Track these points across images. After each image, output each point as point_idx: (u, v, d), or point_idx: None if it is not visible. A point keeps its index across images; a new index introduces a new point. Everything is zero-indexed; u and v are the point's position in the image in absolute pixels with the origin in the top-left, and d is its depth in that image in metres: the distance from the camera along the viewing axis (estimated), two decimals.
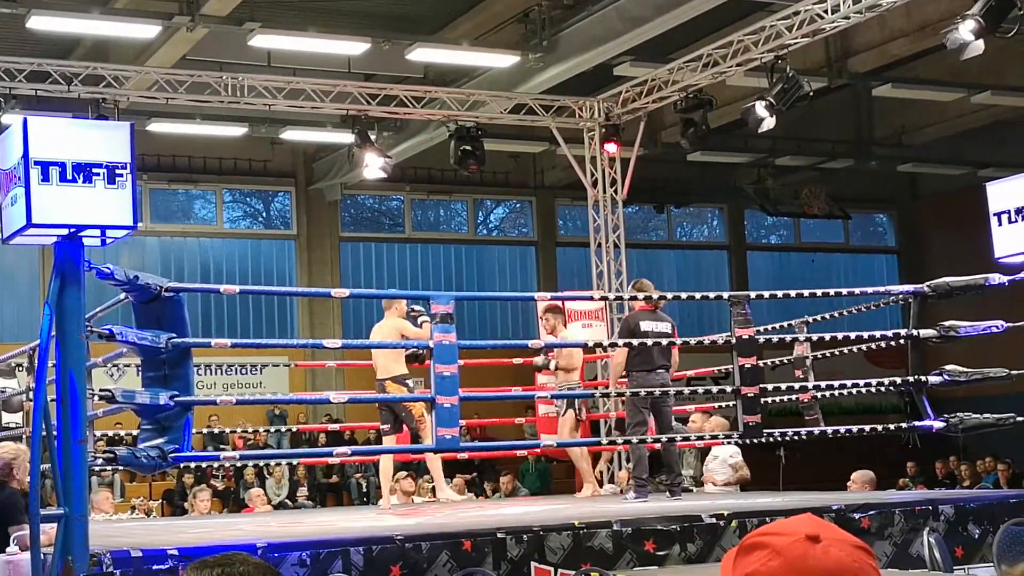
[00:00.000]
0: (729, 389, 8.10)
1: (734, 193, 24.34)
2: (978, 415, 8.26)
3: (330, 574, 5.99)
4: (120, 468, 8.36)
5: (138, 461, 6.29)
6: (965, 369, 8.30)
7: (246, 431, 16.76)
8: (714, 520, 7.00)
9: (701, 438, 10.51)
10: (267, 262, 22.15)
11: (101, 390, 6.63)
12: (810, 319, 10.20)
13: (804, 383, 9.34)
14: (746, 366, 7.87)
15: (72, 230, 5.87)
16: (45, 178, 5.70)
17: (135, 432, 7.57)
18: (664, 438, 9.41)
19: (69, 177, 5.74)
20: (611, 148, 15.51)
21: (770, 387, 8.49)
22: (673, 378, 10.46)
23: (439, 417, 7.02)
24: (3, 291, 20.09)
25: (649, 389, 9.17)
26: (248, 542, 6.29)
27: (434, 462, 10.54)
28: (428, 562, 6.20)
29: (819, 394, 9.18)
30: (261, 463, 16.89)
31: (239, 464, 16.65)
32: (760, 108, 13.34)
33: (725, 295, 8.50)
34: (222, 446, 16.86)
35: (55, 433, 5.87)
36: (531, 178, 23.96)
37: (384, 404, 10.21)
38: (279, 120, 18.69)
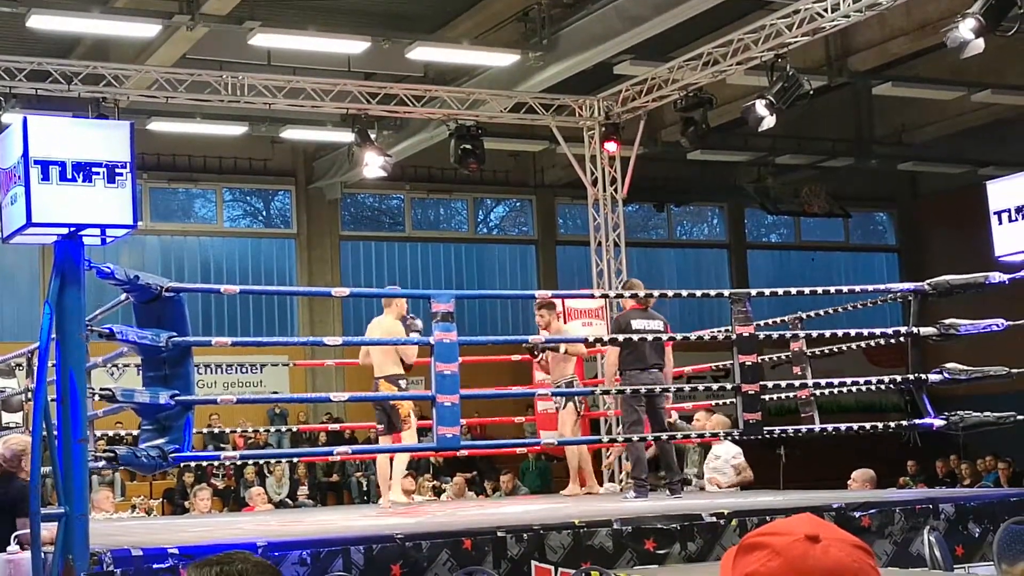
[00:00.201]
0: (730, 386, 8.10)
1: (734, 192, 24.35)
2: (978, 413, 8.26)
3: (330, 573, 5.99)
4: (120, 467, 8.34)
5: (139, 460, 6.29)
6: (965, 367, 8.29)
7: (246, 431, 16.77)
8: (714, 519, 7.00)
9: (701, 435, 10.51)
10: (267, 261, 22.15)
11: (101, 389, 6.62)
12: (804, 315, 10.20)
13: (803, 380, 9.34)
14: (747, 363, 7.86)
15: (72, 229, 5.87)
16: (45, 177, 5.70)
17: (135, 432, 7.57)
18: (664, 436, 9.42)
19: (69, 176, 5.74)
20: (611, 147, 15.52)
21: (770, 384, 8.49)
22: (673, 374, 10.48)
23: (440, 415, 7.02)
24: (3, 290, 20.09)
25: (641, 387, 9.17)
26: (248, 541, 6.29)
27: (397, 464, 10.41)
28: (428, 561, 6.20)
29: (819, 392, 9.18)
30: (261, 462, 16.90)
31: (239, 463, 16.66)
32: (760, 107, 13.34)
33: (726, 292, 8.50)
34: (222, 446, 16.87)
35: (55, 432, 5.87)
36: (531, 177, 23.96)
37: (378, 404, 10.20)
38: (279, 119, 18.70)
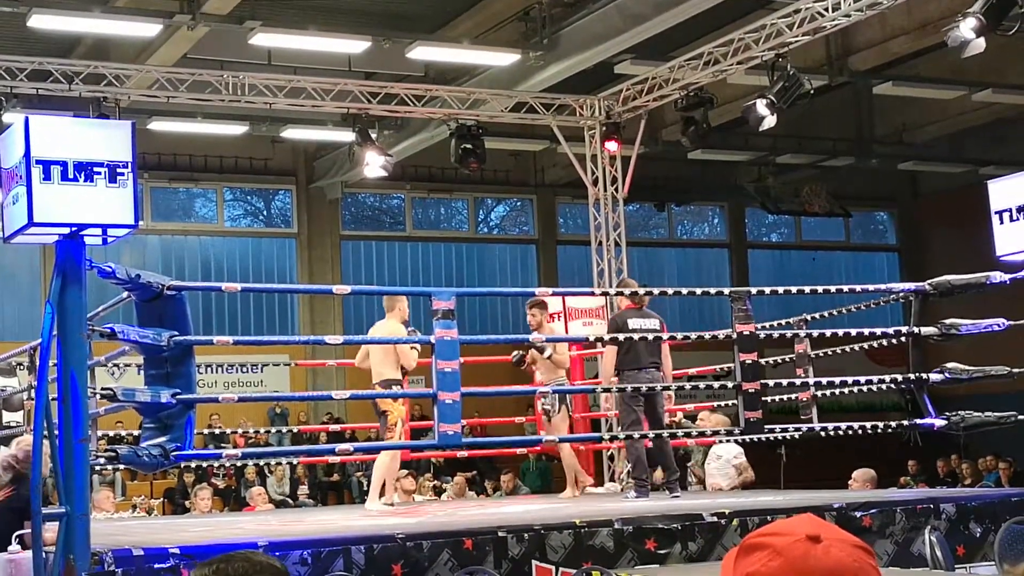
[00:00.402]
0: (730, 385, 8.10)
1: (735, 191, 24.35)
2: (979, 413, 8.25)
3: (331, 573, 5.99)
4: (122, 466, 8.37)
5: (140, 460, 6.29)
6: (966, 367, 8.29)
7: (247, 431, 16.77)
8: (715, 519, 7.00)
9: (703, 434, 10.51)
10: (268, 260, 22.16)
11: (103, 388, 6.62)
12: (808, 317, 10.20)
13: (805, 380, 9.34)
14: (747, 362, 7.86)
15: (73, 229, 5.87)
16: (47, 177, 5.71)
17: (136, 431, 7.58)
18: (665, 434, 9.42)
19: (70, 176, 5.74)
20: (612, 146, 15.52)
21: (771, 384, 8.48)
22: (673, 377, 10.46)
23: (441, 413, 7.02)
24: (4, 290, 20.10)
25: (639, 386, 9.18)
26: (249, 541, 6.30)
27: (378, 467, 10.28)
28: (429, 561, 6.20)
29: (820, 392, 9.18)
30: (262, 462, 16.89)
31: (240, 463, 16.66)
32: (761, 106, 13.34)
33: (726, 291, 8.49)
34: (223, 445, 16.86)
35: (56, 432, 5.87)
36: (532, 176, 23.96)
37: (376, 408, 10.15)
38: (280, 118, 18.71)
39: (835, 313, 10.88)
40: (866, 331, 8.95)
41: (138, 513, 14.99)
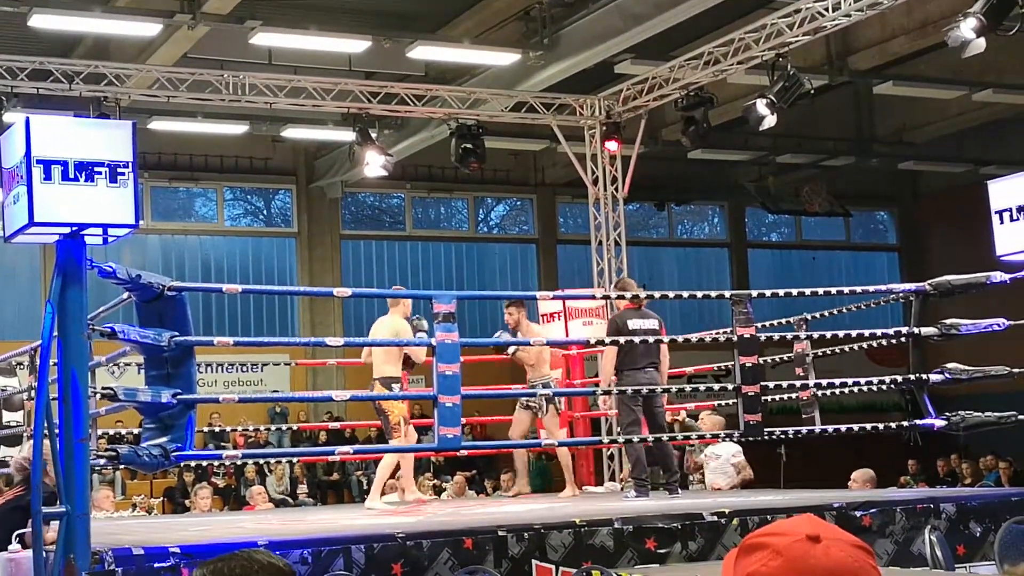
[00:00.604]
0: (730, 387, 8.10)
1: (735, 191, 24.35)
2: (979, 413, 8.26)
3: (331, 572, 5.99)
4: (122, 466, 8.37)
5: (140, 459, 6.30)
6: (966, 367, 8.29)
7: (247, 429, 16.77)
8: (715, 518, 7.00)
9: (702, 436, 10.51)
10: (268, 260, 22.16)
11: (103, 388, 6.62)
12: (809, 317, 10.20)
13: (804, 381, 9.34)
14: (747, 364, 7.87)
15: (74, 229, 5.87)
16: (47, 177, 5.71)
17: (136, 430, 7.59)
18: (665, 437, 9.43)
19: (71, 176, 5.74)
20: (612, 146, 15.52)
21: (771, 385, 8.49)
22: (672, 376, 10.45)
23: (441, 416, 7.02)
24: (4, 289, 20.09)
25: (638, 387, 9.18)
26: (249, 540, 6.30)
27: (382, 465, 10.24)
28: (429, 560, 6.21)
29: (820, 392, 9.17)
30: (262, 461, 16.90)
31: (240, 462, 16.67)
32: (761, 106, 13.34)
33: (727, 294, 8.49)
34: (223, 444, 16.88)
35: (57, 431, 5.87)
36: (532, 176, 23.97)
37: (376, 407, 10.13)
38: (280, 118, 18.71)
39: (835, 313, 10.88)
40: (866, 331, 8.95)
41: (138, 512, 15.00)
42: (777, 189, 23.79)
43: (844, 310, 11.01)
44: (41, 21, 13.88)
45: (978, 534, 7.53)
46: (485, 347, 12.56)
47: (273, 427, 18.55)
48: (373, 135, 15.55)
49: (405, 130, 18.64)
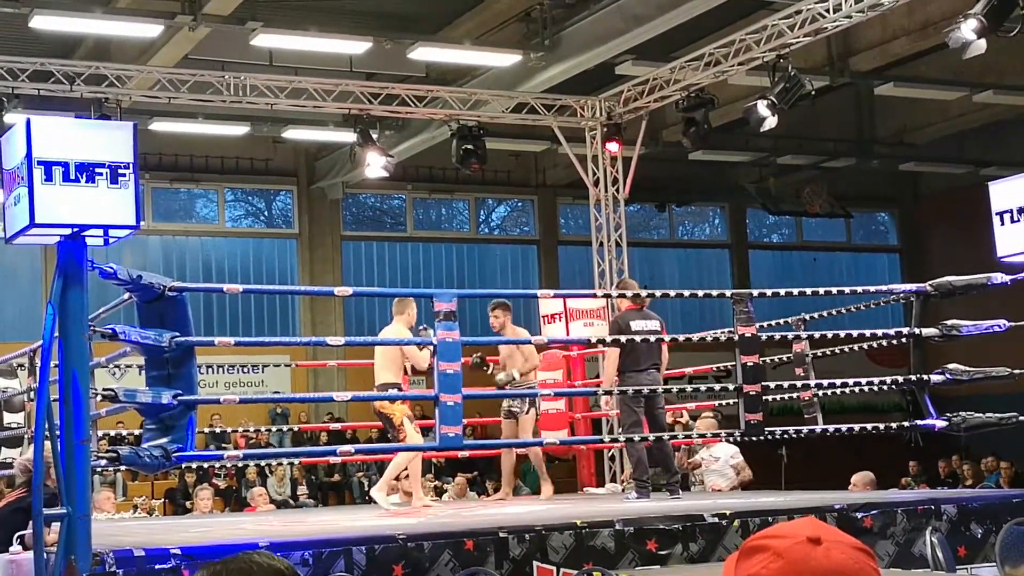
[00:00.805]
0: (731, 387, 8.10)
1: (736, 192, 24.35)
2: (980, 414, 8.25)
3: (332, 573, 5.99)
4: (123, 467, 8.37)
5: (141, 460, 6.29)
6: (967, 368, 8.29)
7: (248, 430, 16.78)
8: (716, 520, 7.00)
9: (703, 436, 10.51)
10: (269, 261, 22.16)
11: (104, 389, 6.62)
12: (807, 316, 10.20)
13: (805, 381, 9.34)
14: (748, 364, 7.87)
15: (75, 230, 5.87)
16: (48, 178, 5.71)
17: (137, 431, 7.59)
18: (665, 437, 9.43)
19: (72, 177, 5.74)
20: (613, 147, 15.52)
21: (772, 385, 8.49)
22: (670, 376, 10.44)
23: (443, 415, 7.02)
24: (5, 290, 20.10)
25: (640, 388, 9.18)
26: (250, 541, 6.31)
27: (394, 462, 10.15)
28: (430, 561, 6.21)
29: (821, 392, 9.18)
30: (263, 462, 16.90)
31: (241, 463, 16.67)
32: (762, 107, 13.34)
33: (728, 293, 8.50)
34: (224, 445, 16.88)
35: (58, 433, 5.87)
36: (533, 177, 23.97)
37: (377, 412, 10.07)
38: (281, 119, 18.71)
39: (836, 313, 10.89)
40: (867, 332, 8.95)
41: (139, 513, 15.00)
42: (778, 190, 23.80)
43: (845, 310, 11.01)
44: (42, 22, 13.88)
45: (979, 535, 7.53)
46: (494, 347, 12.57)
47: (274, 428, 18.57)
48: (374, 136, 15.55)
49: (406, 131, 18.64)
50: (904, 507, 7.50)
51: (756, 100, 13.51)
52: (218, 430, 16.29)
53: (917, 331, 8.33)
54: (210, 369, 19.80)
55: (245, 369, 20.76)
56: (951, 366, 8.29)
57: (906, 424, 8.40)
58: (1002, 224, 8.31)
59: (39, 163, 5.70)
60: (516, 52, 15.80)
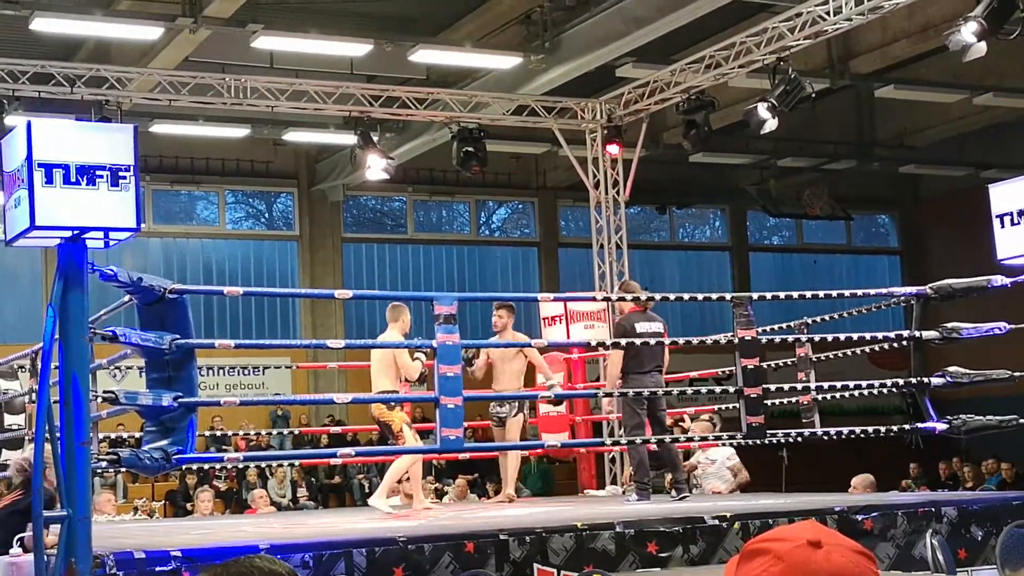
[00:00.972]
0: (732, 390, 8.11)
1: (736, 194, 24.35)
2: (981, 417, 8.26)
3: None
4: (123, 469, 8.36)
5: (141, 463, 6.29)
6: (968, 371, 8.30)
7: (248, 433, 16.77)
8: (717, 522, 7.00)
9: (705, 439, 10.51)
10: (269, 263, 22.17)
11: (104, 392, 6.62)
12: (810, 320, 10.21)
13: (806, 384, 9.34)
14: (749, 367, 7.87)
15: (75, 232, 5.87)
16: (49, 180, 5.71)
17: (138, 433, 7.58)
18: (667, 439, 9.43)
19: (73, 179, 5.74)
20: (613, 149, 15.53)
21: (772, 388, 8.48)
22: (672, 379, 10.45)
23: (443, 417, 7.02)
24: (6, 293, 20.11)
25: (644, 390, 9.18)
26: (251, 543, 6.31)
27: (393, 467, 10.08)
28: (431, 564, 6.21)
29: (821, 396, 9.18)
30: (263, 464, 16.89)
31: (242, 465, 16.67)
32: (762, 109, 13.34)
33: (728, 296, 8.50)
34: (225, 447, 16.87)
35: (58, 435, 5.87)
36: (533, 179, 23.98)
37: (376, 419, 10.04)
38: (282, 121, 18.71)
39: (836, 317, 10.89)
40: (868, 335, 8.95)
41: (139, 516, 14.99)
42: (778, 192, 23.80)
43: (845, 313, 11.01)
44: (43, 25, 13.89)
45: (979, 538, 7.53)
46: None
47: (275, 430, 18.56)
48: (375, 138, 15.55)
49: (407, 133, 18.65)
50: (904, 509, 7.51)
51: (756, 102, 13.51)
52: (219, 432, 16.28)
53: (917, 334, 8.33)
54: (211, 371, 19.80)
55: (246, 371, 20.76)
56: (951, 369, 8.30)
57: (907, 427, 8.40)
58: (1002, 227, 8.31)
59: (39, 165, 5.71)
60: (517, 54, 15.80)
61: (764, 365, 8.90)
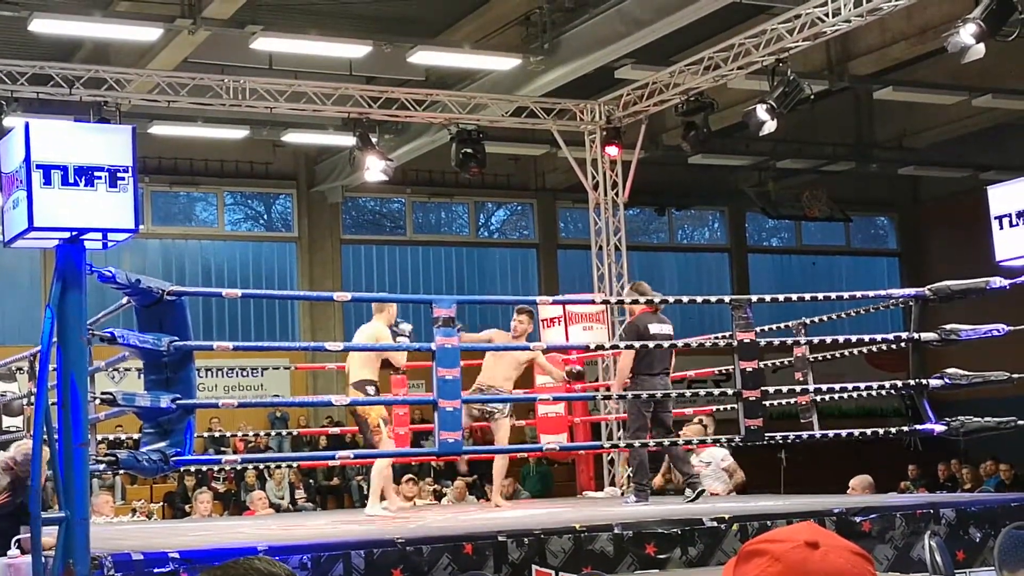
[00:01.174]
0: (731, 392, 8.11)
1: (735, 196, 24.35)
2: (979, 418, 8.26)
3: None
4: (122, 471, 8.35)
5: (140, 464, 6.29)
6: (966, 372, 8.29)
7: (247, 434, 16.76)
8: (715, 524, 7.00)
9: (703, 441, 10.51)
10: (268, 264, 22.16)
11: (103, 393, 6.62)
12: (808, 321, 10.20)
13: (804, 386, 9.34)
14: (747, 369, 7.87)
15: (74, 233, 5.87)
16: (47, 181, 5.71)
17: (136, 435, 7.58)
18: (666, 441, 9.44)
19: (71, 180, 5.75)
20: (612, 151, 15.54)
21: (771, 390, 8.48)
22: (672, 380, 10.44)
23: (442, 420, 7.02)
24: (4, 294, 20.09)
25: (652, 392, 9.18)
26: (249, 545, 6.30)
27: (375, 473, 9.94)
28: (429, 565, 6.21)
29: (820, 397, 9.18)
30: (262, 466, 16.87)
31: (240, 467, 16.65)
32: (761, 111, 13.35)
33: (727, 299, 8.51)
34: (223, 449, 16.86)
35: (56, 436, 5.87)
36: (532, 181, 23.97)
37: (352, 412, 10.01)
38: (281, 123, 18.71)
39: (835, 318, 10.89)
40: (866, 336, 8.95)
41: (138, 517, 14.98)
42: (777, 194, 23.79)
43: (844, 315, 11.00)
44: (41, 25, 13.89)
45: (978, 540, 7.53)
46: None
47: (273, 432, 18.54)
48: (374, 140, 15.55)
49: (406, 135, 18.64)
50: (903, 511, 7.51)
51: (755, 104, 13.52)
52: (217, 434, 16.27)
53: (916, 335, 8.33)
54: (209, 372, 19.77)
55: (244, 372, 20.74)
56: (950, 370, 8.30)
57: (905, 428, 8.40)
58: (1001, 228, 8.31)
59: (38, 167, 5.71)
60: (515, 56, 15.80)
61: (764, 366, 8.91)
